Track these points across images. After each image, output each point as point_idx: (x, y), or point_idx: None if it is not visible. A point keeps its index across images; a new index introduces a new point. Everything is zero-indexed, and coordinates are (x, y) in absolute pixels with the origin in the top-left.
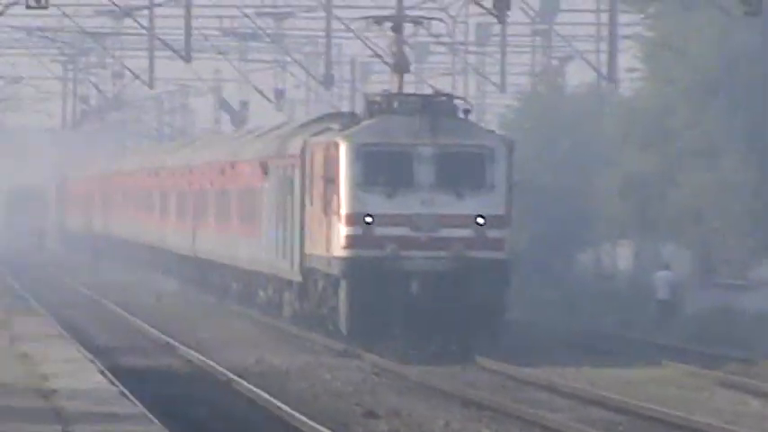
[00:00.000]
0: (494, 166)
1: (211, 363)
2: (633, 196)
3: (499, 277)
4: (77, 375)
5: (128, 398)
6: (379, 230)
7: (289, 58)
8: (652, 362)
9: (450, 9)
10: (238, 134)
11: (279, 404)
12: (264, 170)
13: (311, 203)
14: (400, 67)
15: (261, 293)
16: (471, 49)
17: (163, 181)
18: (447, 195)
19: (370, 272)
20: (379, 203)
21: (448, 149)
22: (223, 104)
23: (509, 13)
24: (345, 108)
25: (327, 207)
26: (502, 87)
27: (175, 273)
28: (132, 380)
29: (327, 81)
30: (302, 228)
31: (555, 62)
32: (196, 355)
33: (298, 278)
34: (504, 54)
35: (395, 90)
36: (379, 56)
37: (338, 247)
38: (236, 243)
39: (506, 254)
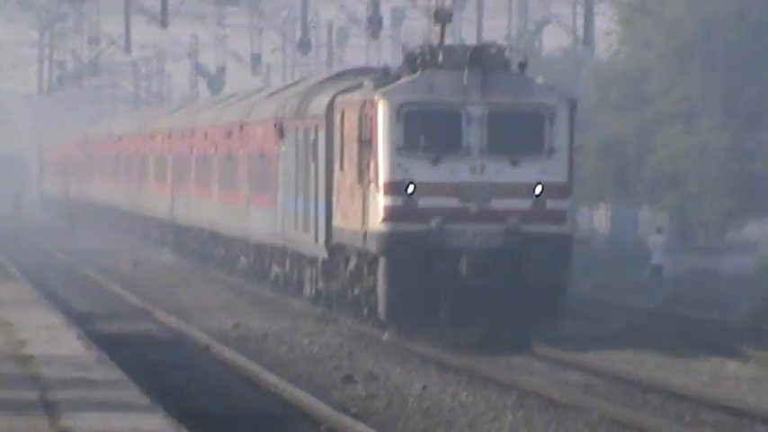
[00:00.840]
0: (554, 128)
1: (190, 328)
2: (610, 160)
3: (560, 254)
4: (55, 341)
5: (106, 363)
6: (423, 201)
7: (265, 24)
8: (633, 326)
9: None
10: (246, 94)
11: (258, 368)
12: (280, 132)
13: (341, 170)
14: (442, 15)
15: (275, 269)
16: None
17: (158, 145)
18: (500, 161)
19: (412, 248)
20: (422, 170)
21: (501, 108)
22: (200, 69)
23: None
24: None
25: (362, 174)
26: None
27: (171, 244)
28: (111, 346)
29: (304, 46)
30: (329, 198)
31: (531, 26)
32: (175, 321)
33: (323, 254)
34: (480, 18)
35: (433, 42)
36: (356, 20)
37: (376, 221)
38: (245, 214)
39: (568, 227)
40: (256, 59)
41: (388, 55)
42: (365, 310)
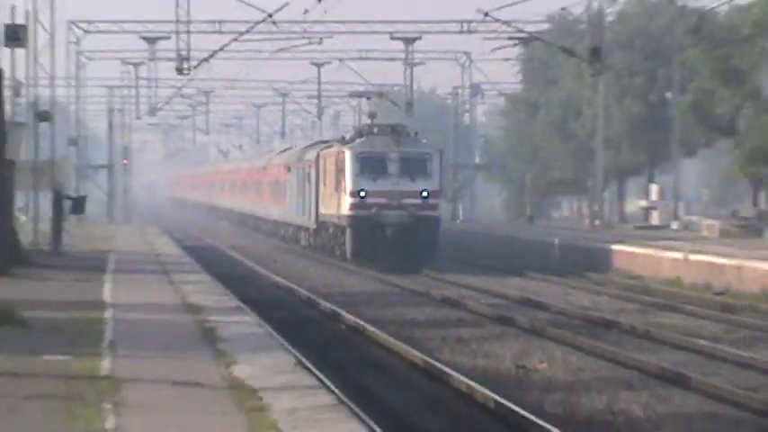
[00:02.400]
0: (431, 164)
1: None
2: None
3: (435, 226)
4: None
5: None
6: (369, 200)
7: None
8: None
9: None
10: (263, 153)
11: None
12: (288, 170)
13: (324, 186)
14: (371, 114)
15: (282, 232)
16: None
17: (227, 176)
18: (406, 180)
19: (363, 223)
20: (368, 185)
21: (407, 155)
22: None
23: None
24: None
25: (338, 187)
26: None
27: (231, 221)
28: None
29: None
30: (317, 199)
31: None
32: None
33: (313, 226)
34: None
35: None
36: None
37: (345, 209)
38: (267, 207)
39: (438, 213)
40: None
41: None
42: (338, 254)
